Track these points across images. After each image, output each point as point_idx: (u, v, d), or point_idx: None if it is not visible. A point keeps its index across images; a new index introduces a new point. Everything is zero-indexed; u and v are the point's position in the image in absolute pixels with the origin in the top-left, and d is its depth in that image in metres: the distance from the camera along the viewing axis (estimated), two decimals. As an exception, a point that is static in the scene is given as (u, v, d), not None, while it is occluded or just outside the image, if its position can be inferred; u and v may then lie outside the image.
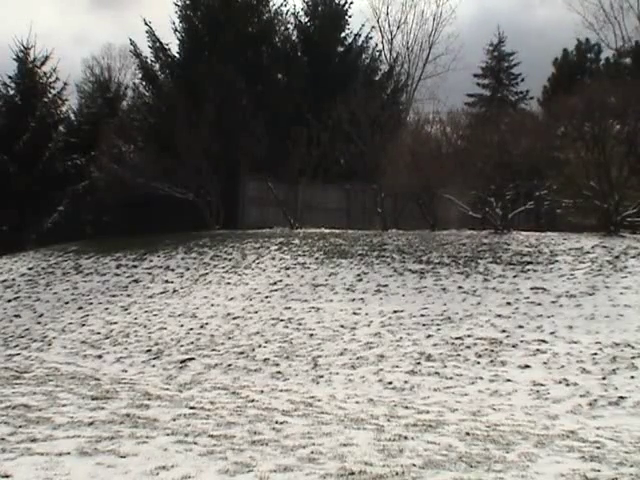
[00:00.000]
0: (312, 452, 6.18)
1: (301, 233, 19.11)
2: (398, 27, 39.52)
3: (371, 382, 9.81)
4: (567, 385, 9.21)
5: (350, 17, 27.22)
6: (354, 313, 12.69)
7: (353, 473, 5.58)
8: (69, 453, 5.98)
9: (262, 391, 9.33)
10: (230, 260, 16.85)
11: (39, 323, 14.46)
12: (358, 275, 14.69)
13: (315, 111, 23.00)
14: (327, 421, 7.49)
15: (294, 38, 26.83)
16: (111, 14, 58.83)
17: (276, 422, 7.35)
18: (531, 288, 13.03)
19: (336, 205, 23.41)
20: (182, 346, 12.02)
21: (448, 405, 8.64)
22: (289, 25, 26.66)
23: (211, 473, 5.55)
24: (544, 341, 10.74)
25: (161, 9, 38.02)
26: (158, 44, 24.97)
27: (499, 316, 11.89)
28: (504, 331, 11.24)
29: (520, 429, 7.34)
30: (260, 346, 11.59)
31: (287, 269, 15.59)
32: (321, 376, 10.19)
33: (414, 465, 5.80)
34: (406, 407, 8.44)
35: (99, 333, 13.27)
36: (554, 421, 7.93)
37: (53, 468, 5.57)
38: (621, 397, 8.71)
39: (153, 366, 11.31)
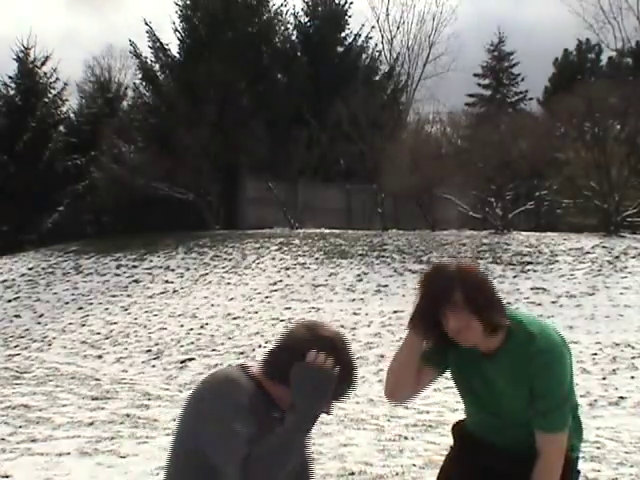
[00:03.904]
0: (312, 452, 6.18)
1: (301, 233, 19.10)
2: (398, 27, 39.49)
3: (371, 382, 9.80)
4: (567, 385, 9.20)
5: (350, 17, 27.23)
6: (354, 313, 12.69)
7: (353, 473, 5.58)
8: (69, 453, 5.98)
9: (262, 391, 9.32)
10: (230, 260, 16.85)
11: (39, 323, 14.46)
12: (358, 275, 14.69)
13: (315, 111, 22.98)
14: (327, 421, 7.49)
15: (294, 38, 26.82)
16: (95, 13, 58.81)
17: (276, 422, 7.35)
18: (531, 288, 13.02)
19: (336, 205, 23.36)
20: (182, 346, 12.02)
21: (448, 405, 8.63)
22: (289, 25, 26.65)
23: (211, 473, 5.54)
24: (544, 341, 10.73)
25: (148, 8, 37.92)
26: (158, 44, 24.96)
27: (499, 316, 11.87)
28: (504, 331, 11.22)
29: (520, 429, 7.33)
30: (260, 346, 11.58)
31: (287, 269, 15.58)
32: (321, 376, 10.18)
33: (414, 465, 5.80)
34: (406, 407, 8.44)
35: (99, 333, 13.27)
36: (554, 421, 7.92)
37: (53, 468, 5.57)
38: (621, 397, 8.71)
39: (153, 366, 11.31)
